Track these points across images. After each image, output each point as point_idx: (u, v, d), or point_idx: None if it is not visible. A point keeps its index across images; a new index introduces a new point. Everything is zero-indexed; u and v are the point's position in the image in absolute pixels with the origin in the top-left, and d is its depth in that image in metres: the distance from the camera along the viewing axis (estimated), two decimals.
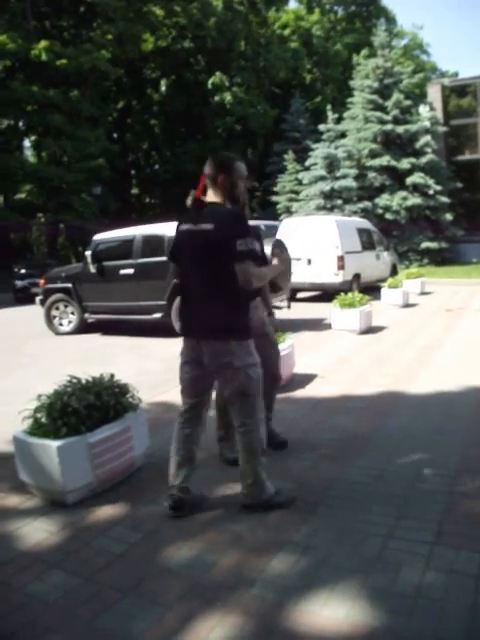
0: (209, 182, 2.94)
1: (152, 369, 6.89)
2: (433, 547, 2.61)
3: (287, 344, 5.64)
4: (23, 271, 20.17)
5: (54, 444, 3.13)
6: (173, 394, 5.57)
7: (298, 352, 6.20)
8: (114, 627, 2.20)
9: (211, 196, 2.95)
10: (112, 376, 3.67)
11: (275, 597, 2.31)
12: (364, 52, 35.75)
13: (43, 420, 3.29)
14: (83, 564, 2.64)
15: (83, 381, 3.54)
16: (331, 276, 12.78)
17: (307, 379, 5.90)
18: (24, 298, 17.37)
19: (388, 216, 22.92)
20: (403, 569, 2.46)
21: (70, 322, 10.38)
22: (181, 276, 3.05)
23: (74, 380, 3.53)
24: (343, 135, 25.17)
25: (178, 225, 3.05)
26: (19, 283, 19.08)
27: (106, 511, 3.15)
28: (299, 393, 5.44)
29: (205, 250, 2.85)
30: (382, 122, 24.00)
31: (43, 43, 24.82)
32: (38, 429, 3.27)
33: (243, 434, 2.96)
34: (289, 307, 8.54)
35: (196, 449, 3.15)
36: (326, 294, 12.69)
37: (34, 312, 11.71)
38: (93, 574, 2.55)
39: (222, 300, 2.87)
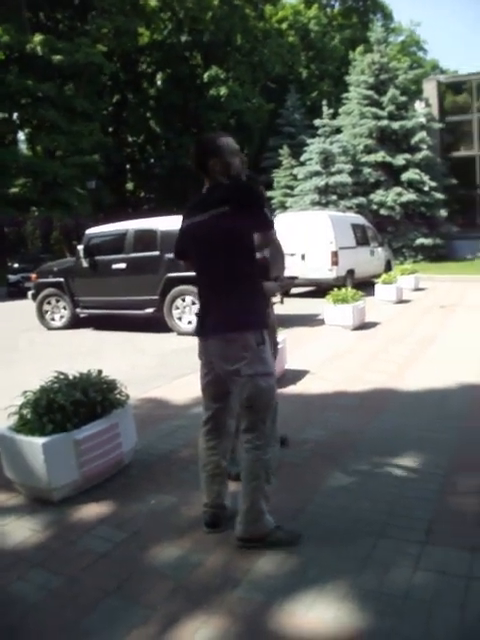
0: (201, 172, 2.67)
1: (144, 364, 6.85)
2: (423, 546, 2.58)
3: (279, 339, 5.59)
4: (16, 265, 20.16)
5: (39, 441, 3.08)
6: (165, 390, 5.55)
7: (290, 348, 6.17)
8: (97, 628, 2.15)
9: (209, 185, 2.71)
10: (100, 372, 3.61)
11: (261, 598, 2.26)
12: (360, 48, 35.61)
13: (29, 416, 3.24)
14: (67, 563, 2.60)
15: (70, 377, 3.48)
16: (325, 271, 12.73)
17: (299, 375, 5.86)
18: (17, 292, 17.35)
19: (383, 212, 22.92)
20: (392, 569, 2.42)
21: (62, 317, 10.32)
22: (196, 274, 2.77)
23: (61, 376, 3.48)
24: (338, 130, 25.07)
25: (183, 220, 2.78)
26: (12, 277, 19.11)
27: (92, 509, 3.10)
28: (290, 389, 5.39)
29: (224, 237, 2.57)
30: (377, 118, 23.95)
31: (39, 37, 24.61)
32: (23, 426, 3.22)
33: (246, 451, 2.61)
34: (282, 302, 8.48)
35: (224, 463, 2.84)
36: (320, 289, 12.65)
37: (26, 306, 11.64)
38: (77, 574, 2.51)
39: (242, 290, 2.59)
